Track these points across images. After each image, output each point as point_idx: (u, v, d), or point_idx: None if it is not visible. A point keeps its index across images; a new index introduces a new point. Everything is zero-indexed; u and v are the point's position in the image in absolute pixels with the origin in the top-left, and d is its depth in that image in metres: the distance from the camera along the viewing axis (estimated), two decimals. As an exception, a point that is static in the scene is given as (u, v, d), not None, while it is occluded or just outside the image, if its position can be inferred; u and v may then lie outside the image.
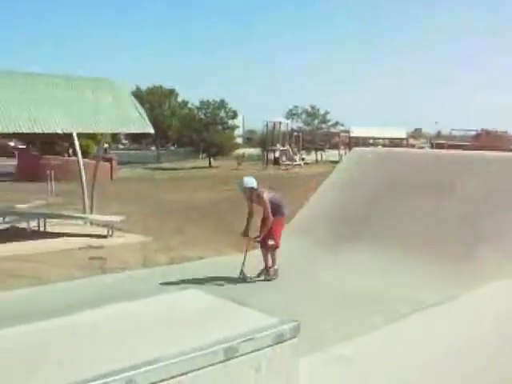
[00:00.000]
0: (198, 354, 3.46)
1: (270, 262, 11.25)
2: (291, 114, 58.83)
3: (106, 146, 39.87)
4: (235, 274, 11.05)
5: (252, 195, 11.24)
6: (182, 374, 3.35)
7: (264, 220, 11.14)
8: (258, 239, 11.16)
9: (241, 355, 3.64)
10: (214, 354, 3.53)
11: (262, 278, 11.14)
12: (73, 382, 3.04)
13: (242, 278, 10.92)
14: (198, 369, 3.45)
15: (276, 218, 11.06)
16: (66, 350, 3.60)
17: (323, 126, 59.07)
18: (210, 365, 3.51)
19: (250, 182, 11.33)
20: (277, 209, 11.12)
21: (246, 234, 11.36)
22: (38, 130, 14.84)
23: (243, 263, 10.96)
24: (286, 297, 9.55)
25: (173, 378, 3.31)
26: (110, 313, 4.45)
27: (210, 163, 49.58)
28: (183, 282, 10.24)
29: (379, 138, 65.01)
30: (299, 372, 4.11)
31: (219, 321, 4.13)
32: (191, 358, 3.42)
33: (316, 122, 58.87)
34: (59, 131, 15.40)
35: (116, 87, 17.11)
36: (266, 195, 11.12)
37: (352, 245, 12.66)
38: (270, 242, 11.11)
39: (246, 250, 11.14)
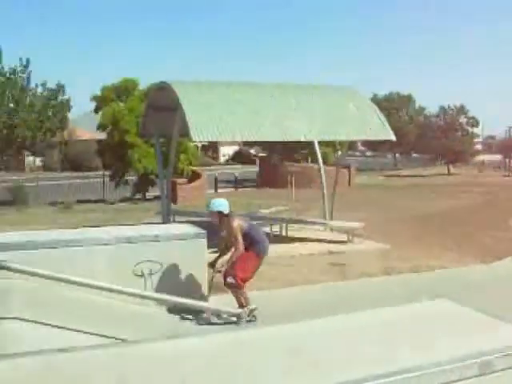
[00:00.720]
0: (451, 366, 3.39)
1: (242, 301, 8.90)
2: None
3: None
4: (481, 284, 10.64)
5: (221, 221, 9.06)
6: (432, 386, 3.31)
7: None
8: (220, 270, 8.91)
9: (496, 371, 3.51)
10: (468, 368, 3.44)
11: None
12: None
13: (204, 320, 8.69)
14: (450, 382, 3.38)
15: (248, 253, 8.83)
16: (321, 350, 3.70)
17: None
18: (463, 378, 3.43)
19: (218, 204, 9.11)
20: (253, 242, 8.92)
21: (211, 264, 9.13)
22: (282, 139, 15.40)
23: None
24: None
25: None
26: (355, 319, 4.51)
27: (448, 170, 48.42)
28: (425, 290, 10.01)
29: None
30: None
31: (471, 333, 4.01)
32: (444, 371, 3.36)
33: None
34: (302, 139, 15.85)
35: (357, 95, 17.24)
36: (238, 223, 8.89)
37: None
38: (229, 280, 8.78)
39: (210, 285, 9.12)
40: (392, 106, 59.99)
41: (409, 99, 64.84)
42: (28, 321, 6.44)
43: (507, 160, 47.37)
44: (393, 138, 16.14)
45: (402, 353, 3.59)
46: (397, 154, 64.02)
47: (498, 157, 55.71)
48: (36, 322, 6.45)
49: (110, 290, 7.33)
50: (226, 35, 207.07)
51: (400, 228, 17.76)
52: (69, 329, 6.46)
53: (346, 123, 15.68)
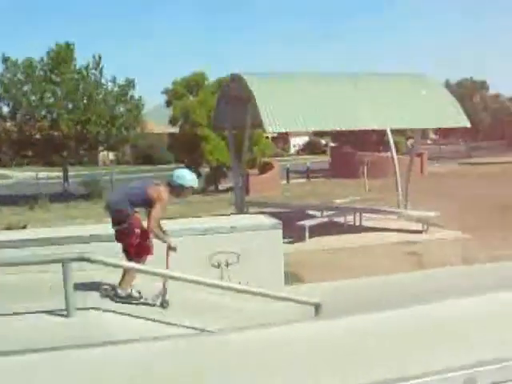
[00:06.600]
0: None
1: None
2: None
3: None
4: None
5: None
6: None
7: None
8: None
9: None
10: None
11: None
12: (410, 375, 3.11)
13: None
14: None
15: None
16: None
17: None
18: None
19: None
20: None
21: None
22: (356, 127, 15.35)
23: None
24: None
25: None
26: (442, 307, 4.47)
27: (523, 157, 47.10)
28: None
29: None
30: None
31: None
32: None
33: None
34: (375, 127, 15.74)
35: (429, 81, 17.00)
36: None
37: None
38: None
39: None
40: (465, 92, 58.72)
41: (482, 85, 63.44)
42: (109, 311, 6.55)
43: None
44: (467, 124, 15.83)
45: (489, 344, 3.55)
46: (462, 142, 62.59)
47: None
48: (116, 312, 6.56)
49: (197, 282, 7.13)
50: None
51: (478, 216, 17.34)
52: (153, 320, 6.52)
53: (420, 111, 15.48)
